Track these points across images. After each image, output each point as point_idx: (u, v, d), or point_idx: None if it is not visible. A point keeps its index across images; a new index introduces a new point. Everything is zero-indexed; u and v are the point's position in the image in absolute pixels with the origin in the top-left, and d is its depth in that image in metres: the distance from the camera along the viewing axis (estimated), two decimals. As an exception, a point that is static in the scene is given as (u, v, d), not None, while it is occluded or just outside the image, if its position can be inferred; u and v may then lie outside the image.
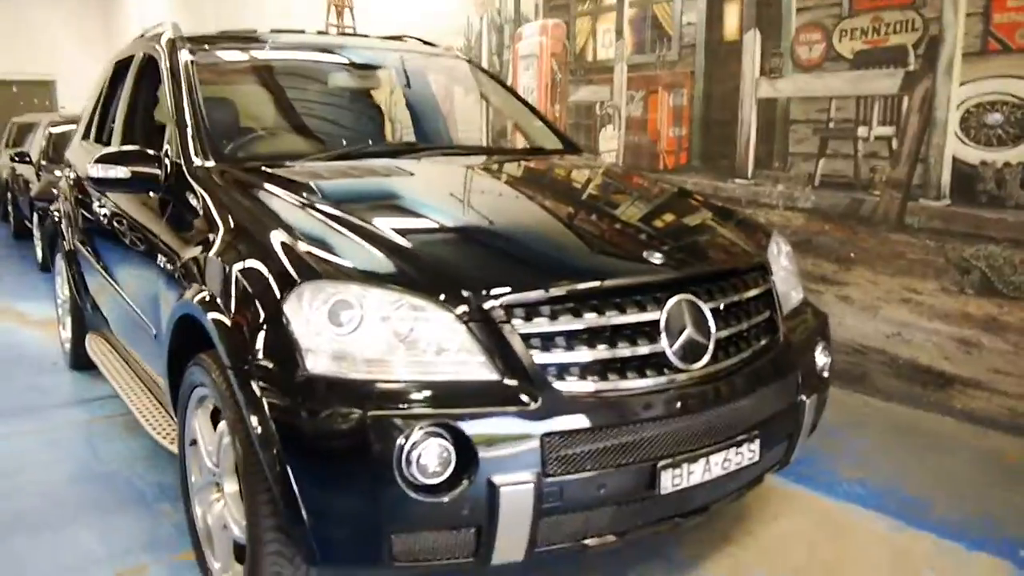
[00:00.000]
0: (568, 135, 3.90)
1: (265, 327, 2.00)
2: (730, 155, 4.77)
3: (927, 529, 2.84)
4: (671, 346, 2.09)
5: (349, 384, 1.88)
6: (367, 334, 1.91)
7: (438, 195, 2.69)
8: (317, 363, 1.90)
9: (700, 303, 2.16)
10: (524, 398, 1.91)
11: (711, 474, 2.11)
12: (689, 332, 2.12)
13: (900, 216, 4.00)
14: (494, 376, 1.93)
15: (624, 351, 2.04)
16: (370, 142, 3.47)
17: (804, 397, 2.42)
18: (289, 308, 1.96)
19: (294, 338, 1.93)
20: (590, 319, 2.02)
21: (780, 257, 2.64)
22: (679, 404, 2.06)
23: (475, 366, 1.93)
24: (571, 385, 1.97)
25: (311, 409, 1.87)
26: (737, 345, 2.26)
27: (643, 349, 2.06)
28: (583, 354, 2.00)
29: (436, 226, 2.39)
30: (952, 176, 3.80)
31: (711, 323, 2.17)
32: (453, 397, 1.89)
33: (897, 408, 4.00)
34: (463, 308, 1.95)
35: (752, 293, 2.37)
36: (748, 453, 2.20)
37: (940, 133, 3.82)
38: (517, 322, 1.96)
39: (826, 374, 2.61)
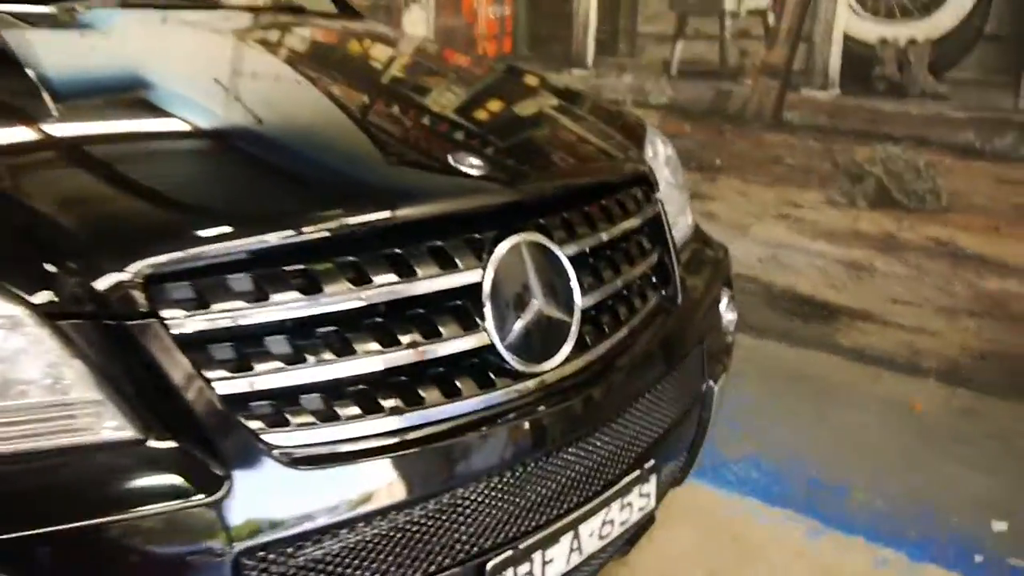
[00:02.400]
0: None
1: None
2: (565, 39, 3.84)
3: (851, 531, 2.10)
4: (504, 333, 1.11)
5: None
6: None
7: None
8: None
9: (553, 247, 1.19)
10: (196, 476, 0.89)
11: (582, 554, 1.18)
12: (537, 303, 1.14)
13: (777, 111, 3.24)
14: (127, 433, 0.89)
15: (411, 352, 1.04)
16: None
17: (712, 382, 1.54)
18: None
19: None
20: (336, 294, 1.00)
21: (661, 164, 1.71)
22: (520, 443, 1.09)
23: (86, 414, 0.88)
24: (298, 435, 0.95)
25: None
26: (615, 316, 1.32)
27: (450, 345, 1.06)
28: (323, 369, 0.98)
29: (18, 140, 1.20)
30: (843, 59, 3.06)
31: (573, 282, 1.20)
32: (34, 493, 0.84)
33: (774, 347, 3.27)
34: (46, 295, 0.88)
35: (633, 223, 1.42)
36: (639, 500, 1.29)
37: (828, 4, 3.04)
38: (173, 314, 0.91)
39: (731, 338, 1.75)
